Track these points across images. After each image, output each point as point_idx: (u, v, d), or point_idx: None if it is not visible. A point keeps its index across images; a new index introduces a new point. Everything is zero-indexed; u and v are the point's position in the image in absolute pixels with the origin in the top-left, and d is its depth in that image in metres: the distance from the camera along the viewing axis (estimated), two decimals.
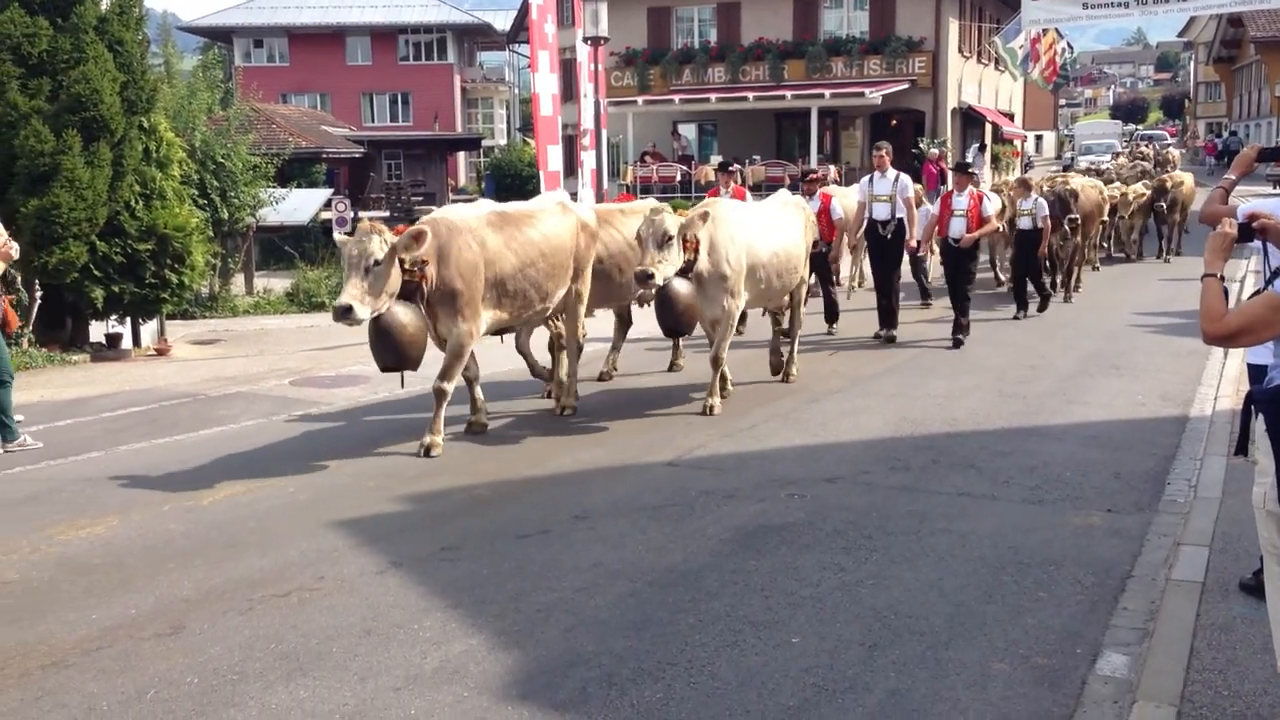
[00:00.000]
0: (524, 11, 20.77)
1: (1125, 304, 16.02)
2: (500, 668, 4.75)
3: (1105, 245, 21.38)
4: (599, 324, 12.14)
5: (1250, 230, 4.18)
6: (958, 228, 12.94)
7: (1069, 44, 39.33)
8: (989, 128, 39.39)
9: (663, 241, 8.73)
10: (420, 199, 39.52)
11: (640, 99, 34.33)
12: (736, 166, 15.44)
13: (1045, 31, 32.56)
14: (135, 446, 8.87)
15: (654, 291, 9.00)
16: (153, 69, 17.51)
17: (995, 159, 39.12)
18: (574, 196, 17.69)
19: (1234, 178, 5.05)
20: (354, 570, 5.94)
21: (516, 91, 58.04)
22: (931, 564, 5.91)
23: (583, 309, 9.79)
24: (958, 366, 11.53)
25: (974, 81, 38.22)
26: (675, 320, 9.28)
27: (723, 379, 9.94)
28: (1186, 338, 12.27)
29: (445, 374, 8.46)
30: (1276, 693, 4.37)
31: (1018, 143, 44.44)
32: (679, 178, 31.32)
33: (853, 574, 5.77)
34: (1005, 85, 42.60)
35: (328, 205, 25.01)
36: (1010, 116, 44.09)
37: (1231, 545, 6.04)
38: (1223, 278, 4.02)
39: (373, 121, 53.20)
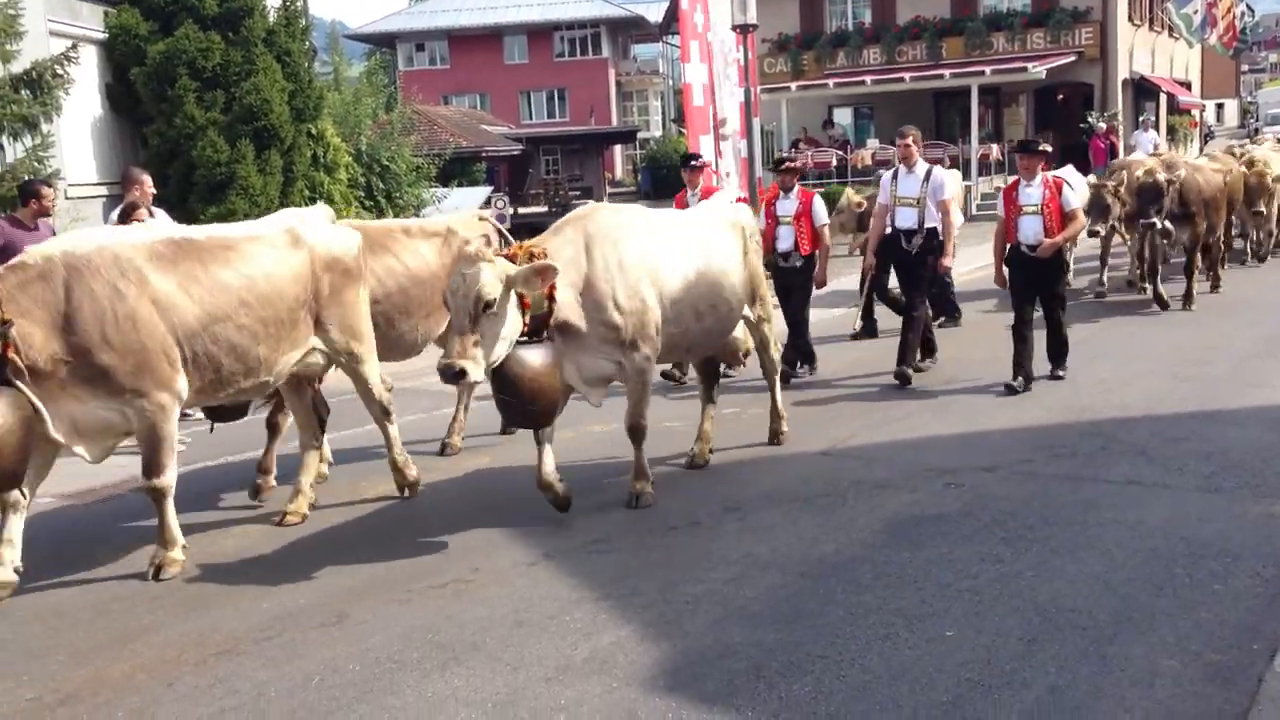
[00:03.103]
0: (675, 2, 20.80)
1: None
2: (649, 659, 4.78)
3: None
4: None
5: None
6: (1031, 229, 9.42)
7: (1249, 6, 37.26)
8: (1163, 98, 37.58)
9: (478, 311, 5.86)
10: (577, 193, 40.08)
11: (794, 85, 33.94)
12: (704, 161, 12.18)
13: None
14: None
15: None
16: (321, 77, 18.23)
17: (1171, 131, 37.30)
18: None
19: None
20: (506, 562, 6.05)
21: (671, 83, 58.17)
22: (1097, 555, 5.68)
23: (366, 370, 7.17)
24: (1126, 350, 11.04)
25: (1146, 50, 36.49)
26: (521, 411, 6.35)
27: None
28: None
29: (153, 468, 6.09)
30: None
31: (1195, 113, 42.29)
32: (834, 163, 30.88)
33: (1011, 565, 5.60)
34: (1181, 53, 40.56)
35: (487, 202, 25.59)
36: (1187, 85, 41.98)
37: None
38: None
39: (530, 119, 54.14)
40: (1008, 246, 9.70)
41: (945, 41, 33.94)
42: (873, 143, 31.55)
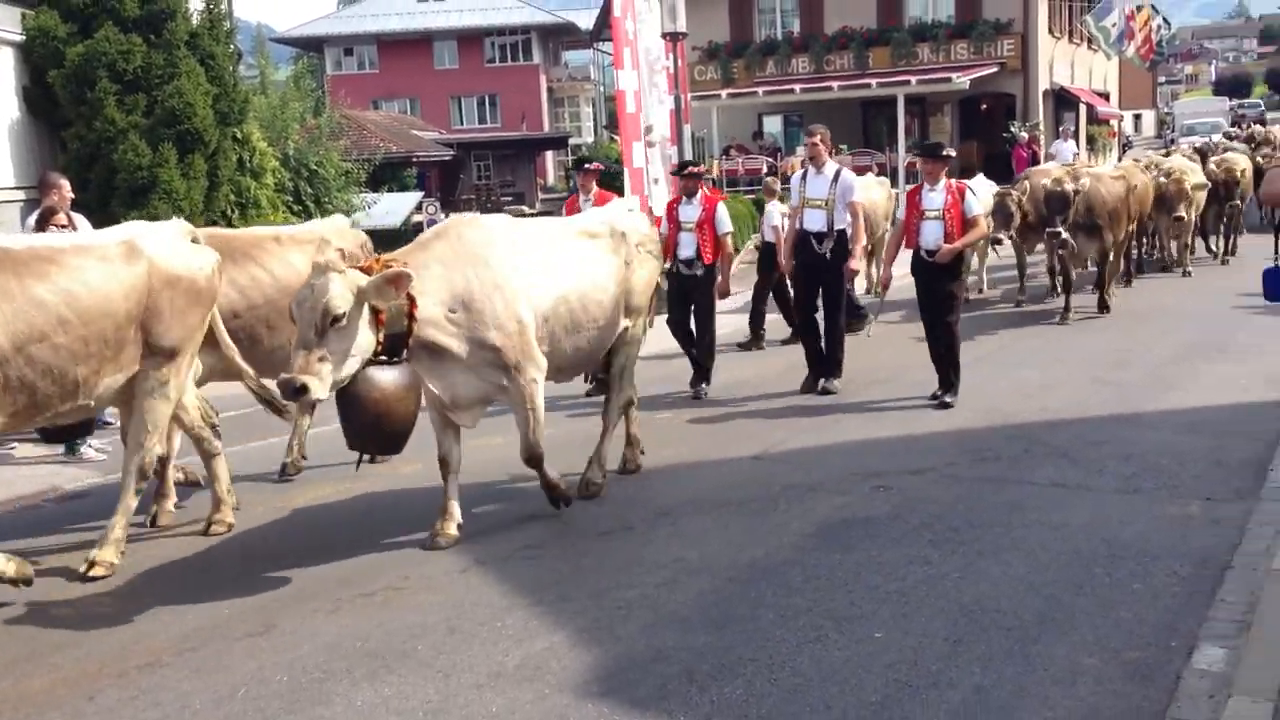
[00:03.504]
0: (606, 9, 20.87)
1: (1230, 287, 15.40)
2: (581, 665, 4.78)
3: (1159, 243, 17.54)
4: None
5: None
6: (932, 234, 9.23)
7: (1165, 20, 38.22)
8: (1083, 109, 38.45)
9: (325, 324, 5.50)
10: (510, 199, 40.03)
11: (724, 92, 34.18)
12: (595, 164, 11.62)
13: (1140, 8, 31.74)
14: (229, 450, 9.02)
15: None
16: (247, 80, 17.97)
17: (1091, 140, 38.13)
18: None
19: None
20: (438, 569, 6.02)
21: (602, 89, 58.24)
22: (1021, 557, 5.79)
23: (162, 407, 6.34)
24: (1049, 355, 11.27)
25: (1066, 62, 37.30)
26: (366, 436, 6.19)
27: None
28: None
29: None
30: None
31: (1114, 123, 43.30)
32: (765, 170, 31.12)
33: (939, 568, 5.68)
34: (1100, 65, 41.51)
35: (419, 208, 25.47)
36: (1105, 96, 42.98)
37: None
38: None
39: (461, 124, 53.87)
40: (910, 252, 9.56)
41: (872, 51, 34.41)
42: (802, 150, 31.85)
